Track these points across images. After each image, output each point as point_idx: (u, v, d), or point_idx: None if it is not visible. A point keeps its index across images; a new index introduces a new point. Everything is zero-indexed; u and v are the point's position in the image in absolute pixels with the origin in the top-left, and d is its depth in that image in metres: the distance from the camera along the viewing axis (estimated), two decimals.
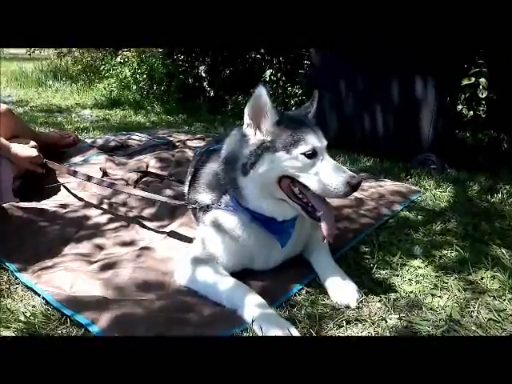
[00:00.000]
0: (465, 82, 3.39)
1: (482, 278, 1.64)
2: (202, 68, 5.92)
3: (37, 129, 3.82)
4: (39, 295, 1.44)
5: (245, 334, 1.29)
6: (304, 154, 1.40)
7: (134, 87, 6.16)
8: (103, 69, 6.65)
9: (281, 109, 4.88)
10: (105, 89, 6.38)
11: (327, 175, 1.40)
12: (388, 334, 1.30)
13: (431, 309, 1.45)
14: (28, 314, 1.33)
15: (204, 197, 1.68)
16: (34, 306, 1.40)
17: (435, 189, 2.70)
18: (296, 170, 1.42)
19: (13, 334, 1.25)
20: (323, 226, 1.43)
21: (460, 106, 3.82)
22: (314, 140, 1.43)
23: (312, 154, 1.41)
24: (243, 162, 1.48)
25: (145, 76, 6.10)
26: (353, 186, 1.39)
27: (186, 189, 2.02)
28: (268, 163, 1.43)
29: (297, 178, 1.43)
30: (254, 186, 1.48)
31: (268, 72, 5.11)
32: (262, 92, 1.41)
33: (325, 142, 1.48)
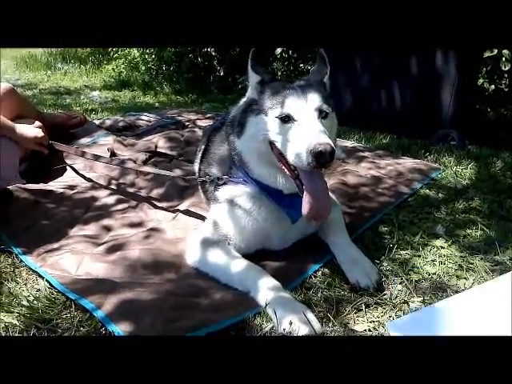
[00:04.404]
0: (487, 54, 3.21)
1: (511, 258, 1.54)
2: None
3: (45, 111, 3.77)
4: (43, 278, 1.39)
5: (258, 319, 1.22)
6: (278, 117, 1.32)
7: (143, 68, 6.09)
8: (111, 50, 6.56)
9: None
10: (113, 70, 6.32)
11: (293, 141, 1.27)
12: None
13: (457, 291, 1.36)
14: (31, 299, 1.27)
15: (215, 170, 1.64)
16: (38, 290, 1.34)
17: (456, 166, 2.58)
18: (274, 134, 1.33)
19: (15, 321, 1.19)
20: (303, 202, 1.29)
21: (481, 80, 3.65)
22: (293, 103, 1.32)
23: (287, 118, 1.31)
24: (236, 123, 1.45)
25: (153, 56, 6.02)
26: (315, 156, 1.18)
27: (196, 166, 1.95)
28: (253, 125, 1.38)
29: (275, 143, 1.34)
30: (248, 150, 1.43)
31: (279, 49, 4.95)
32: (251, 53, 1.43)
33: (311, 106, 1.32)
